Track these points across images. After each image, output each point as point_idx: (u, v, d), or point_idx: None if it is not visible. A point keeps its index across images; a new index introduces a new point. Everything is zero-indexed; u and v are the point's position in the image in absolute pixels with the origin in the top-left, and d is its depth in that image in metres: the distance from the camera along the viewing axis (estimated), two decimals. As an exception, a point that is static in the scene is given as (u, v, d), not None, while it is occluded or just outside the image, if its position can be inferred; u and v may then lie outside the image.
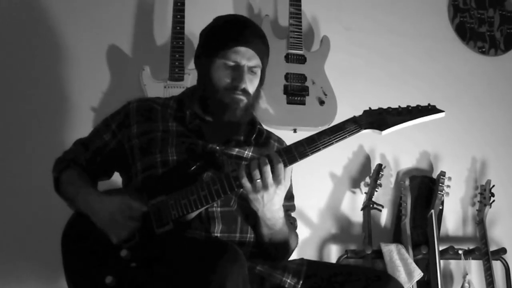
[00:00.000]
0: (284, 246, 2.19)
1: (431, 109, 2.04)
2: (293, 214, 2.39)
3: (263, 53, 2.22)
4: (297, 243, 2.30)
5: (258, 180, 1.92)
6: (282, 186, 1.95)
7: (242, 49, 2.16)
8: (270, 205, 1.99)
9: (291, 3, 3.57)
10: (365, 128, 2.00)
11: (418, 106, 2.05)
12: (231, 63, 2.16)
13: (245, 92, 2.17)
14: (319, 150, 1.97)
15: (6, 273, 3.18)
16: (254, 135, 2.31)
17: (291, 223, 2.31)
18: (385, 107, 2.04)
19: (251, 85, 2.19)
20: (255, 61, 2.19)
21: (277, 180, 1.93)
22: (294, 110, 3.47)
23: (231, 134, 2.25)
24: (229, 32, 2.19)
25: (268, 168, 1.92)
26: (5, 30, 3.35)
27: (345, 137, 1.98)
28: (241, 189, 1.99)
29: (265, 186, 1.93)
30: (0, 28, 3.35)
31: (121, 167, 2.33)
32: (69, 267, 2.07)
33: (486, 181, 3.76)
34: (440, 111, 2.04)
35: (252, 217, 2.14)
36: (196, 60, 2.30)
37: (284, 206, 2.09)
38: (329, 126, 2.01)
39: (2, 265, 3.18)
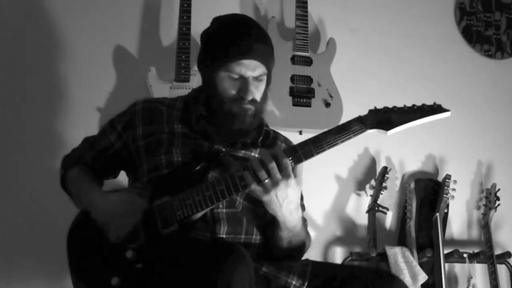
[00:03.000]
0: (300, 248, 2.17)
1: (436, 109, 2.03)
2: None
3: (268, 59, 2.17)
4: (310, 243, 2.28)
5: (267, 180, 1.92)
6: (291, 181, 1.93)
7: (246, 61, 2.10)
8: (287, 204, 1.97)
9: (298, 5, 3.57)
10: (370, 128, 1.99)
11: (423, 105, 2.04)
12: (236, 76, 2.12)
13: (252, 101, 2.14)
14: (324, 150, 1.97)
15: (11, 272, 3.19)
16: (261, 138, 2.28)
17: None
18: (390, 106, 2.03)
19: (258, 92, 2.16)
20: (260, 70, 2.14)
21: (285, 174, 1.92)
22: (299, 112, 3.47)
23: (239, 139, 2.23)
24: (231, 44, 2.11)
25: (273, 164, 1.91)
26: (10, 31, 3.36)
27: (351, 137, 1.98)
28: (247, 190, 1.99)
29: (274, 183, 1.91)
30: (6, 29, 3.36)
31: (127, 168, 2.33)
32: (75, 267, 2.06)
33: (492, 184, 3.75)
34: (445, 110, 2.03)
35: (256, 220, 2.14)
36: (199, 65, 2.26)
37: None
38: (334, 126, 2.00)
39: (7, 264, 3.19)
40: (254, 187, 1.93)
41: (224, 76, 2.13)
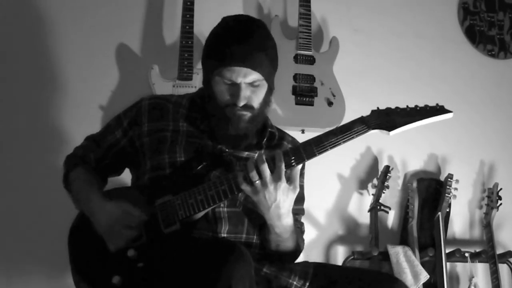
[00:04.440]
0: (290, 254, 2.16)
1: (439, 109, 2.02)
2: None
3: (264, 66, 2.11)
4: (303, 247, 2.26)
5: (258, 182, 1.92)
6: (282, 184, 1.93)
7: (236, 68, 2.06)
8: (275, 208, 1.96)
9: (301, 4, 3.57)
10: (373, 128, 1.98)
11: (426, 106, 2.03)
12: (228, 81, 2.09)
13: (247, 107, 2.11)
14: (327, 150, 1.96)
15: (12, 272, 3.19)
16: (265, 139, 2.26)
17: (298, 227, 2.26)
18: (393, 107, 2.03)
19: (255, 97, 2.12)
20: (253, 76, 2.09)
21: (276, 176, 1.92)
22: (302, 110, 3.47)
23: (238, 142, 2.20)
24: (223, 50, 2.08)
25: (265, 167, 1.91)
26: (13, 29, 3.36)
27: (353, 137, 1.97)
28: None
29: (263, 184, 1.92)
30: (9, 27, 3.36)
31: (131, 164, 2.32)
32: (76, 266, 2.06)
33: (494, 184, 3.75)
34: (448, 111, 2.03)
35: (257, 220, 2.14)
36: (202, 64, 2.24)
37: (292, 209, 2.04)
38: (337, 126, 2.00)
39: (8, 263, 3.19)
40: (245, 188, 1.93)
41: (218, 81, 2.11)
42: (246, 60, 2.07)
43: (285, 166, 1.94)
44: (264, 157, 1.92)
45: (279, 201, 1.95)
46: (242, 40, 2.09)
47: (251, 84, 2.10)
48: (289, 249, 2.13)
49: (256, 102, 2.13)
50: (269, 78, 2.16)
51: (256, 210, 2.03)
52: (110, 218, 2.01)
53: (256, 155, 2.21)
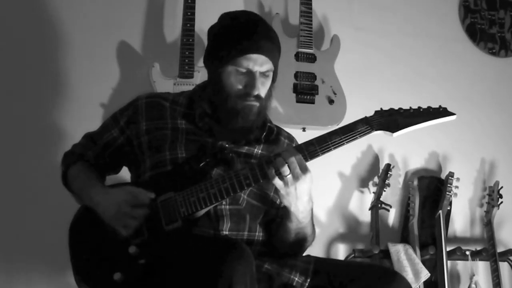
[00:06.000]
0: (304, 241, 2.18)
1: (442, 112, 2.04)
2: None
3: (275, 55, 2.17)
4: (314, 237, 2.26)
5: (289, 176, 1.92)
6: (308, 173, 1.94)
7: (254, 56, 2.10)
8: (303, 197, 1.99)
9: (302, 2, 3.57)
10: (376, 130, 2.00)
11: (429, 107, 2.04)
12: (243, 70, 2.11)
13: (257, 97, 2.13)
14: (330, 150, 1.98)
15: (13, 270, 3.19)
16: (264, 134, 2.27)
17: None
18: (396, 107, 2.03)
19: (263, 88, 2.15)
20: (267, 66, 2.13)
21: (305, 169, 1.93)
22: (303, 108, 3.47)
23: (243, 136, 2.22)
24: (240, 38, 2.11)
25: (294, 159, 1.92)
26: (15, 27, 3.36)
27: (356, 138, 1.98)
28: (250, 188, 2.00)
29: (295, 178, 1.92)
30: (10, 25, 3.36)
31: (129, 163, 2.33)
32: (77, 264, 2.06)
33: (494, 182, 3.76)
34: (451, 113, 2.04)
35: (263, 216, 2.15)
36: (206, 60, 2.25)
37: None
38: (340, 126, 2.00)
39: (9, 263, 3.19)
40: (277, 182, 1.93)
41: (231, 71, 2.12)
42: (263, 48, 2.11)
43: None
44: (289, 152, 1.94)
45: (308, 190, 1.98)
46: (257, 29, 2.13)
47: (263, 74, 2.13)
48: (306, 235, 2.16)
49: (264, 93, 2.16)
50: (276, 70, 2.20)
51: (262, 206, 2.03)
52: (116, 201, 2.02)
53: (261, 150, 2.23)
